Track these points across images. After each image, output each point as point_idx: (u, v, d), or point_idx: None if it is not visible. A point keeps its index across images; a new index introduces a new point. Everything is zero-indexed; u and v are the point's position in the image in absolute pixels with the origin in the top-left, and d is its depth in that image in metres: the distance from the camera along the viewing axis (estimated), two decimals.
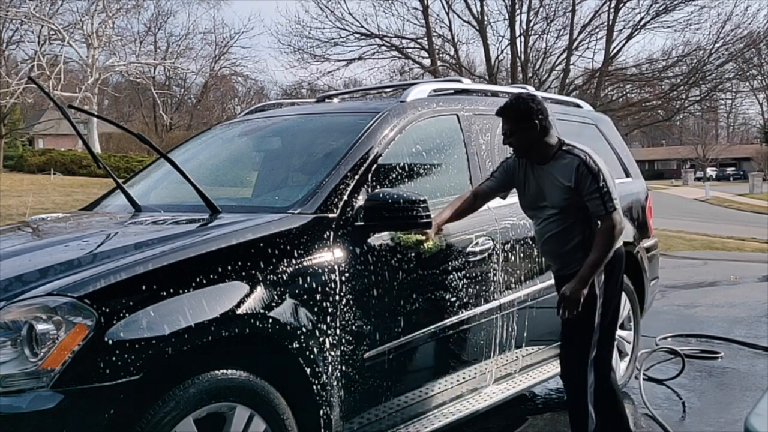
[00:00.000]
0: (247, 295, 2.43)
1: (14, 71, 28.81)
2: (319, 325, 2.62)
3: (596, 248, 3.10)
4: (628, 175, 4.86)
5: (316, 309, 2.62)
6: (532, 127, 3.10)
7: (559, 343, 3.44)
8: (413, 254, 3.04)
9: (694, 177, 60.32)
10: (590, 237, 3.16)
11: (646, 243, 4.73)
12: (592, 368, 3.20)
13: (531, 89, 4.68)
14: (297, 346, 2.54)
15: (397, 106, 3.43)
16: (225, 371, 2.36)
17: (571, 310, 3.10)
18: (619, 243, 3.29)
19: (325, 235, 2.77)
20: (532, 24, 22.99)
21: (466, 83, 4.19)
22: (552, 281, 3.82)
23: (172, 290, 2.27)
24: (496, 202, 3.62)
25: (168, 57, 36.69)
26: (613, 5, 22.17)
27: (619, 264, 3.28)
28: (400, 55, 24.37)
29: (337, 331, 2.69)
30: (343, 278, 2.74)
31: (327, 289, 2.68)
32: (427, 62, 24.06)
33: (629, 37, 22.83)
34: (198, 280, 2.34)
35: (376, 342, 2.85)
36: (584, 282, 3.07)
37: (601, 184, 3.05)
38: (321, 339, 2.62)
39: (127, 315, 2.16)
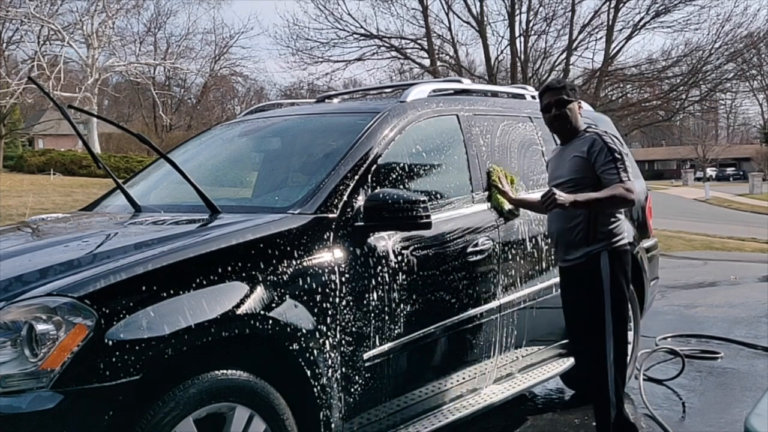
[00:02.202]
0: (247, 296, 2.42)
1: (14, 71, 28.83)
2: (319, 326, 2.62)
3: (601, 192, 3.22)
4: None
5: (316, 309, 2.62)
6: (576, 102, 3.42)
7: (567, 341, 3.51)
8: (413, 255, 3.04)
9: (694, 177, 60.30)
10: (593, 224, 3.31)
11: (646, 243, 4.73)
12: (614, 364, 3.31)
13: (531, 89, 4.69)
14: (297, 346, 2.54)
15: (397, 106, 3.43)
16: (225, 371, 2.36)
17: (548, 203, 3.15)
18: (625, 239, 3.40)
19: (325, 236, 2.77)
20: (531, 24, 23.00)
21: (466, 83, 4.19)
22: (551, 282, 3.84)
23: (172, 291, 2.27)
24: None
25: (168, 57, 36.65)
26: (612, 5, 22.18)
27: (626, 262, 3.39)
28: (399, 56, 24.36)
29: (337, 332, 2.69)
30: (343, 279, 2.74)
31: (327, 289, 2.68)
32: (426, 62, 24.06)
33: (629, 37, 22.83)
34: (198, 280, 2.34)
35: (376, 342, 2.85)
36: (574, 200, 3.16)
37: (617, 156, 3.25)
38: (321, 339, 2.62)
39: (126, 315, 2.15)
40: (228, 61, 43.60)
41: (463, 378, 3.36)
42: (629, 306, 3.44)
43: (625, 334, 3.42)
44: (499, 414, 3.99)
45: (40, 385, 2.04)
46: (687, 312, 7.12)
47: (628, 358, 4.42)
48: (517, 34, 22.93)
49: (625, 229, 3.43)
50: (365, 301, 2.81)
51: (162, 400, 2.20)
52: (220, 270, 2.41)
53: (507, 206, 3.61)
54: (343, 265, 2.75)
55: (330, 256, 2.74)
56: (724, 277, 9.58)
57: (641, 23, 22.26)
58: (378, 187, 3.04)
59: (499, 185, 3.62)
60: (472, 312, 3.33)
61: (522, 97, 4.46)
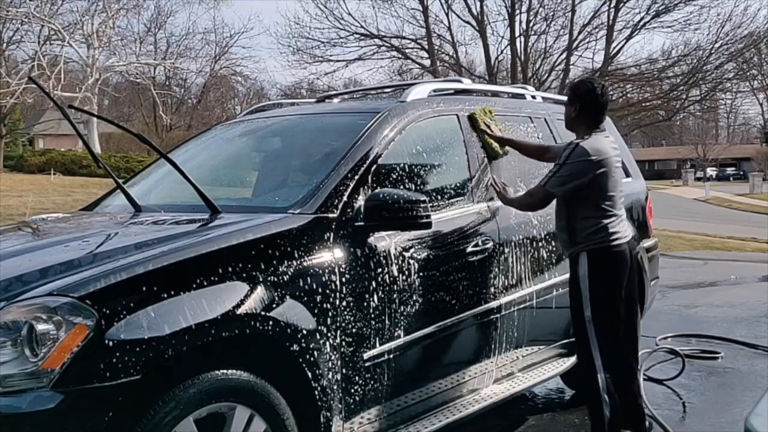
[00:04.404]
0: (247, 296, 2.42)
1: (14, 71, 28.74)
2: (319, 326, 2.62)
3: (519, 196, 3.59)
4: (628, 175, 4.85)
5: (316, 310, 2.62)
6: (572, 106, 3.49)
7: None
8: (413, 255, 3.04)
9: (694, 177, 60.26)
10: (572, 226, 3.40)
11: (646, 243, 4.73)
12: (602, 365, 3.32)
13: (531, 89, 4.69)
14: (297, 347, 2.54)
15: (397, 106, 3.43)
16: (225, 371, 2.36)
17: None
18: (620, 240, 3.40)
19: (326, 236, 2.77)
20: (531, 24, 23.00)
21: (466, 83, 4.20)
22: (551, 281, 3.86)
23: (172, 291, 2.27)
24: (496, 202, 3.63)
25: (168, 57, 36.63)
26: (612, 5, 22.17)
27: (608, 262, 3.37)
28: (399, 56, 24.36)
29: (338, 332, 2.69)
30: (344, 279, 2.74)
31: (327, 290, 2.67)
32: (426, 62, 24.06)
33: (629, 37, 22.82)
34: (198, 280, 2.34)
35: (376, 343, 2.85)
36: (510, 200, 3.55)
37: (557, 164, 3.37)
38: (321, 339, 2.62)
39: (127, 315, 2.15)
40: (228, 60, 43.55)
41: (464, 378, 3.36)
42: (622, 306, 3.40)
43: (614, 334, 3.38)
44: (499, 414, 3.99)
45: (40, 385, 2.04)
46: (687, 312, 7.12)
47: None
48: (517, 34, 22.93)
49: (613, 229, 3.38)
50: (365, 302, 2.81)
51: (162, 400, 2.20)
52: (220, 270, 2.41)
53: (501, 150, 3.76)
54: (343, 266, 2.75)
55: (330, 256, 2.74)
56: (724, 277, 9.58)
57: (641, 23, 22.25)
58: (378, 187, 3.04)
59: (488, 130, 3.70)
60: (472, 312, 3.33)
61: (522, 97, 4.46)
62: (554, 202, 3.48)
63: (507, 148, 3.79)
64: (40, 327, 2.07)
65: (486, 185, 3.62)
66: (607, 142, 3.45)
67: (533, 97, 4.50)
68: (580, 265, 3.37)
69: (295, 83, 28.04)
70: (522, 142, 3.87)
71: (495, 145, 3.70)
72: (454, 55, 24.62)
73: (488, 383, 3.54)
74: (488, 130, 3.69)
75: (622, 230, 3.43)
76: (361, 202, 2.93)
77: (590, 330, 3.33)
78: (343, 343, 2.71)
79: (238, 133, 4.05)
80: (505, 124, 3.95)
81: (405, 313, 2.97)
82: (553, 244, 3.90)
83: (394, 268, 2.94)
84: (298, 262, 2.63)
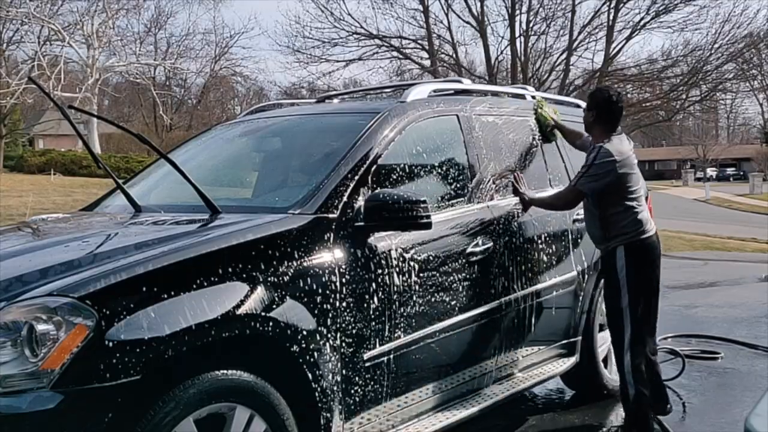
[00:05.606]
0: (247, 296, 2.42)
1: (14, 71, 28.75)
2: (319, 327, 2.62)
3: (548, 196, 3.85)
4: None
5: (316, 310, 2.62)
6: (590, 112, 3.76)
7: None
8: (413, 255, 3.04)
9: (694, 177, 60.27)
10: (605, 222, 3.63)
11: None
12: (629, 348, 3.59)
13: (531, 89, 4.69)
14: (297, 347, 2.54)
15: (397, 106, 3.43)
16: (225, 372, 2.36)
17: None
18: (650, 232, 3.66)
19: (326, 236, 2.77)
20: (531, 24, 22.98)
21: (467, 84, 4.19)
22: (552, 281, 3.88)
23: (172, 291, 2.27)
24: (496, 202, 3.63)
25: (168, 57, 36.62)
26: (612, 5, 22.15)
27: (643, 252, 3.63)
28: (399, 56, 24.35)
29: (338, 332, 2.69)
30: (344, 279, 2.74)
31: (327, 290, 2.67)
32: (426, 63, 24.05)
33: (629, 38, 22.81)
34: (198, 280, 2.34)
35: (376, 343, 2.85)
36: (531, 199, 3.75)
37: (588, 165, 3.59)
38: (321, 340, 2.62)
39: (127, 315, 2.15)
40: (228, 61, 43.50)
41: (464, 378, 3.36)
42: (654, 292, 3.69)
43: (648, 318, 3.64)
44: (499, 414, 3.99)
45: (40, 385, 2.04)
46: (687, 312, 7.12)
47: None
48: (517, 34, 22.90)
49: (641, 222, 3.63)
50: (366, 302, 2.81)
51: (162, 401, 2.20)
52: (220, 270, 2.41)
53: (551, 122, 4.14)
54: (343, 266, 2.75)
55: (330, 256, 2.74)
56: (724, 277, 9.58)
57: (641, 23, 22.24)
58: (378, 188, 3.04)
59: (546, 107, 4.12)
60: (472, 312, 3.33)
61: (522, 97, 4.46)
62: (586, 199, 3.71)
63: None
64: (40, 327, 2.07)
65: (485, 185, 3.62)
66: (625, 143, 3.70)
67: (533, 97, 4.50)
68: (618, 258, 3.61)
69: (294, 83, 27.97)
70: (566, 127, 4.19)
71: (548, 117, 4.13)
72: (454, 56, 24.60)
73: (488, 383, 3.54)
74: (546, 110, 4.12)
75: (648, 222, 3.68)
76: (361, 202, 2.93)
77: (625, 317, 3.60)
78: (343, 344, 2.71)
79: (238, 133, 4.05)
80: (506, 124, 3.96)
81: (405, 314, 2.97)
82: (554, 246, 3.91)
83: (394, 269, 2.94)
84: (298, 263, 2.63)
